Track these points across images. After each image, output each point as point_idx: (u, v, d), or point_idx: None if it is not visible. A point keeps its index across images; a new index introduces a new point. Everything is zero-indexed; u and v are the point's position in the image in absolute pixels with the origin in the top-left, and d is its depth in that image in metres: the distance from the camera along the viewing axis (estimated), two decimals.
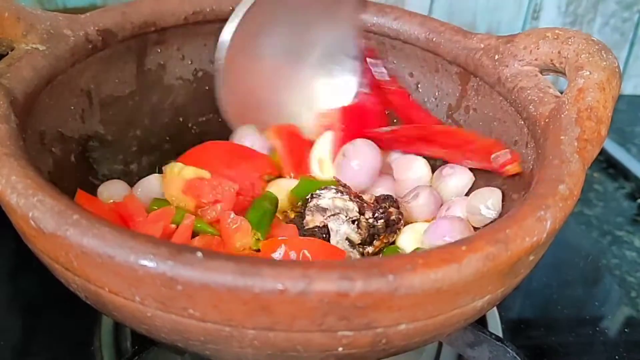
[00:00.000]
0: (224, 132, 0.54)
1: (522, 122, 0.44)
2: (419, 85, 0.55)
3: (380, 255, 0.45)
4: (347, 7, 0.54)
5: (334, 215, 0.43)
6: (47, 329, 0.45)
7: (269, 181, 0.49)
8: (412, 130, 0.52)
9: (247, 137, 0.52)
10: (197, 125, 0.56)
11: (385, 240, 0.45)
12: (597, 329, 0.50)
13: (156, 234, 0.40)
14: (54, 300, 0.47)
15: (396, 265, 0.27)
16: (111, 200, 0.45)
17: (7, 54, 0.41)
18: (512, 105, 0.45)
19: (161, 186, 0.47)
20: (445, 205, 0.48)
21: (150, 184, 0.48)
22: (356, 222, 0.43)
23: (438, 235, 0.43)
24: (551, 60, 0.43)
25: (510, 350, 0.40)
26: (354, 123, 0.53)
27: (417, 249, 0.44)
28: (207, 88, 0.56)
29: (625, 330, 0.50)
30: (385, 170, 0.51)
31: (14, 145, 0.33)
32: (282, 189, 0.48)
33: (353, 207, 0.44)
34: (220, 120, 0.55)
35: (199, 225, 0.43)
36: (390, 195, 0.47)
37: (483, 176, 0.48)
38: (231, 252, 0.41)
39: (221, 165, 0.47)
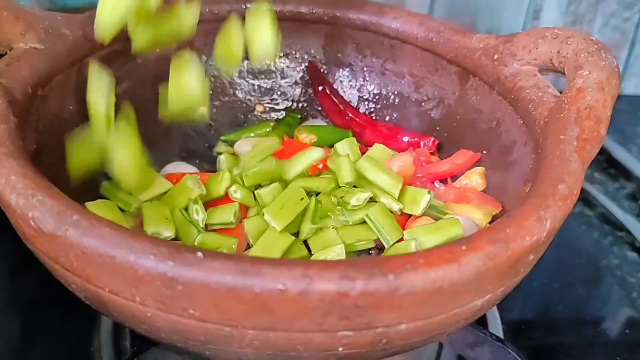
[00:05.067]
0: (221, 130, 0.54)
1: (522, 122, 0.44)
2: (419, 85, 0.55)
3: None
4: None
5: None
6: (47, 329, 0.45)
7: None
8: None
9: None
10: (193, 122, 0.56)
11: None
12: (598, 329, 0.50)
13: None
14: (54, 301, 0.47)
15: (397, 265, 0.27)
16: None
17: (6, 53, 0.41)
18: (512, 104, 0.45)
19: None
20: None
21: None
22: None
23: None
24: (550, 60, 0.43)
25: (510, 351, 0.40)
26: None
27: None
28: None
29: (626, 331, 0.50)
30: None
31: (13, 145, 0.33)
32: None
33: None
34: (214, 119, 0.56)
35: None
36: None
37: None
38: None
39: None
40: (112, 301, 0.30)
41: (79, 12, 0.46)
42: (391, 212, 0.44)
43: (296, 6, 0.54)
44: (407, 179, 0.47)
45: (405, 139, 0.54)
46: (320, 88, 0.58)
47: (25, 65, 0.40)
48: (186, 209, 0.43)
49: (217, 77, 0.56)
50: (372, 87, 0.58)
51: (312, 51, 0.58)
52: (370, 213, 0.43)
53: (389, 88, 0.57)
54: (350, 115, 0.57)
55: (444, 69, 0.52)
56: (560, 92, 0.40)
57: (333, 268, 0.26)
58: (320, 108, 0.59)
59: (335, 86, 0.59)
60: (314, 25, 0.56)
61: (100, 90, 0.39)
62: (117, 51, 0.49)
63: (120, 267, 0.27)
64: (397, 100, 0.57)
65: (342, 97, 0.58)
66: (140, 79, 0.52)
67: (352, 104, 0.58)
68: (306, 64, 0.58)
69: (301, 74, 0.59)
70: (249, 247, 0.42)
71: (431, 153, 0.53)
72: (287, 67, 0.58)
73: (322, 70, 0.58)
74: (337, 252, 0.41)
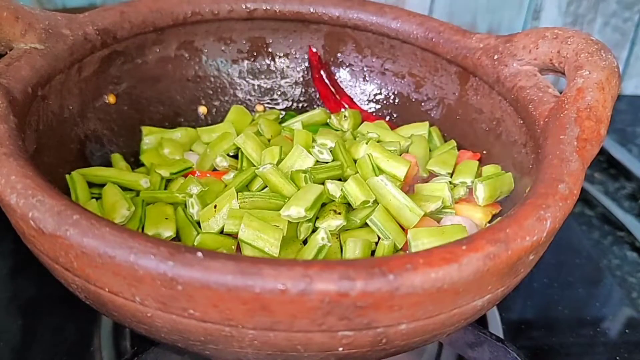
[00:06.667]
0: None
1: (521, 122, 0.44)
2: (419, 85, 0.55)
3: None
4: None
5: None
6: (47, 329, 0.45)
7: None
8: None
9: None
10: (191, 122, 0.56)
11: None
12: (598, 329, 0.50)
13: None
14: (54, 301, 0.47)
15: (397, 265, 0.27)
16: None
17: (6, 53, 0.41)
18: (512, 104, 0.45)
19: None
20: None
21: None
22: None
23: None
24: (550, 60, 0.43)
25: (510, 351, 0.40)
26: None
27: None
28: (205, 87, 0.56)
29: (626, 331, 0.50)
30: None
31: (13, 145, 0.33)
32: None
33: None
34: (214, 119, 0.56)
35: None
36: None
37: None
38: None
39: None
40: (112, 301, 0.30)
41: (79, 12, 0.46)
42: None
43: (296, 6, 0.55)
44: (408, 179, 0.47)
45: None
46: (317, 75, 0.58)
47: (25, 65, 0.40)
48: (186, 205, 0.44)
49: (217, 77, 0.56)
50: (372, 87, 0.58)
51: (313, 51, 0.58)
52: (374, 217, 0.43)
53: (389, 88, 0.57)
54: (346, 106, 0.57)
55: (444, 69, 0.52)
56: (560, 92, 0.40)
57: (333, 268, 0.26)
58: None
59: None
60: (314, 25, 0.56)
61: None
62: (117, 51, 0.49)
63: (120, 267, 0.27)
64: (397, 100, 0.57)
65: (339, 86, 0.58)
66: (140, 79, 0.52)
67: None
68: (306, 64, 0.58)
69: (301, 74, 0.59)
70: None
71: None
72: (287, 67, 0.58)
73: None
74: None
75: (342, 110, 0.57)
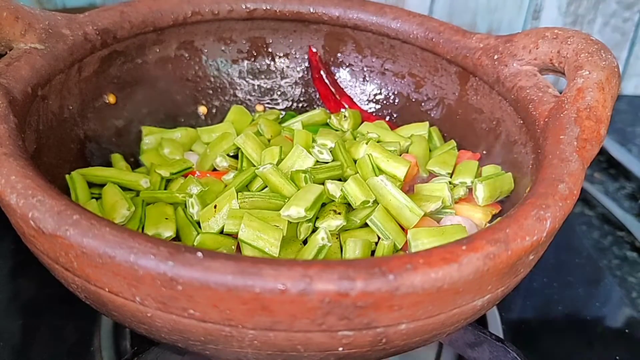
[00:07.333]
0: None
1: (521, 122, 0.44)
2: (419, 85, 0.55)
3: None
4: None
5: None
6: (47, 329, 0.45)
7: None
8: None
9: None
10: (191, 122, 0.56)
11: None
12: (598, 330, 0.50)
13: None
14: (54, 301, 0.47)
15: (396, 265, 0.27)
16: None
17: (6, 53, 0.41)
18: (512, 104, 0.45)
19: None
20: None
21: None
22: None
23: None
24: (550, 60, 0.43)
25: (510, 351, 0.40)
26: None
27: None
28: (205, 87, 0.56)
29: (626, 331, 0.50)
30: None
31: (13, 145, 0.33)
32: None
33: None
34: (214, 120, 0.56)
35: None
36: None
37: None
38: None
39: None
40: (112, 301, 0.30)
41: (79, 12, 0.47)
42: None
43: (296, 6, 0.55)
44: (408, 179, 0.48)
45: None
46: (317, 75, 0.58)
47: (25, 65, 0.40)
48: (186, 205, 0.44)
49: (217, 77, 0.56)
50: (372, 87, 0.58)
51: (313, 51, 0.58)
52: (374, 217, 0.43)
53: (389, 88, 0.57)
54: (346, 106, 0.57)
55: (444, 69, 0.52)
56: (560, 92, 0.40)
57: (333, 268, 0.26)
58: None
59: None
60: (314, 25, 0.56)
61: None
62: (117, 51, 0.49)
63: (120, 267, 0.27)
64: (397, 100, 0.57)
65: (339, 86, 0.58)
66: (140, 79, 0.52)
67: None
68: (306, 64, 0.58)
69: (301, 74, 0.59)
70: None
71: None
72: (287, 67, 0.58)
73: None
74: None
75: (342, 110, 0.57)
